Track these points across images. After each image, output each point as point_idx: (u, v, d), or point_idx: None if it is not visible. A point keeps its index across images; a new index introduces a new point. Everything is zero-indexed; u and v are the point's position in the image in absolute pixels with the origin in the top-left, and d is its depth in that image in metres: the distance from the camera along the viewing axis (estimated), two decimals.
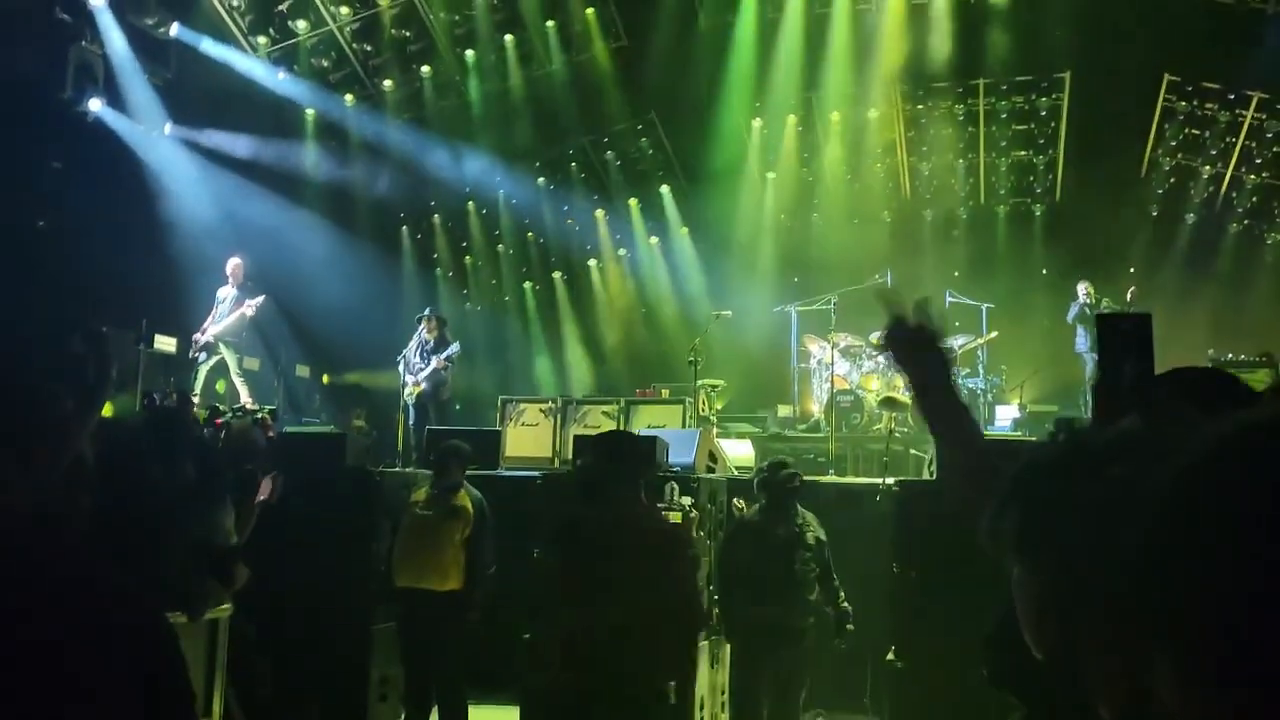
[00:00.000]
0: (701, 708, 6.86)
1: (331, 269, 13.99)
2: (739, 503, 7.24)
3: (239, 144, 13.48)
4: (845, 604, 6.32)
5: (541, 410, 10.93)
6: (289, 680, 6.58)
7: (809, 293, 13.72)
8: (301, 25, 13.71)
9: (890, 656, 6.50)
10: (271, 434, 9.65)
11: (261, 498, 5.48)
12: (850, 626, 6.29)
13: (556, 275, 19.01)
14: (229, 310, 11.31)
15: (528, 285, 19.16)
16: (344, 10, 13.83)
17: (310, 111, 14.57)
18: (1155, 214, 16.13)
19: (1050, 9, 13.80)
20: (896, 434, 10.91)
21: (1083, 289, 13.06)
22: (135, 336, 11.05)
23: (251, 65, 13.56)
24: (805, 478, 6.82)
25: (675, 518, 6.89)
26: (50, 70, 11.18)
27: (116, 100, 11.95)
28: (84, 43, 11.43)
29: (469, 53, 15.00)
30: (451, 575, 6.68)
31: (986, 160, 16.50)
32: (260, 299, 11.31)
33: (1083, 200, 15.33)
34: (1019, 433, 11.62)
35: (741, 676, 6.46)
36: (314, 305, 13.54)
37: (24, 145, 10.73)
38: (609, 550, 4.15)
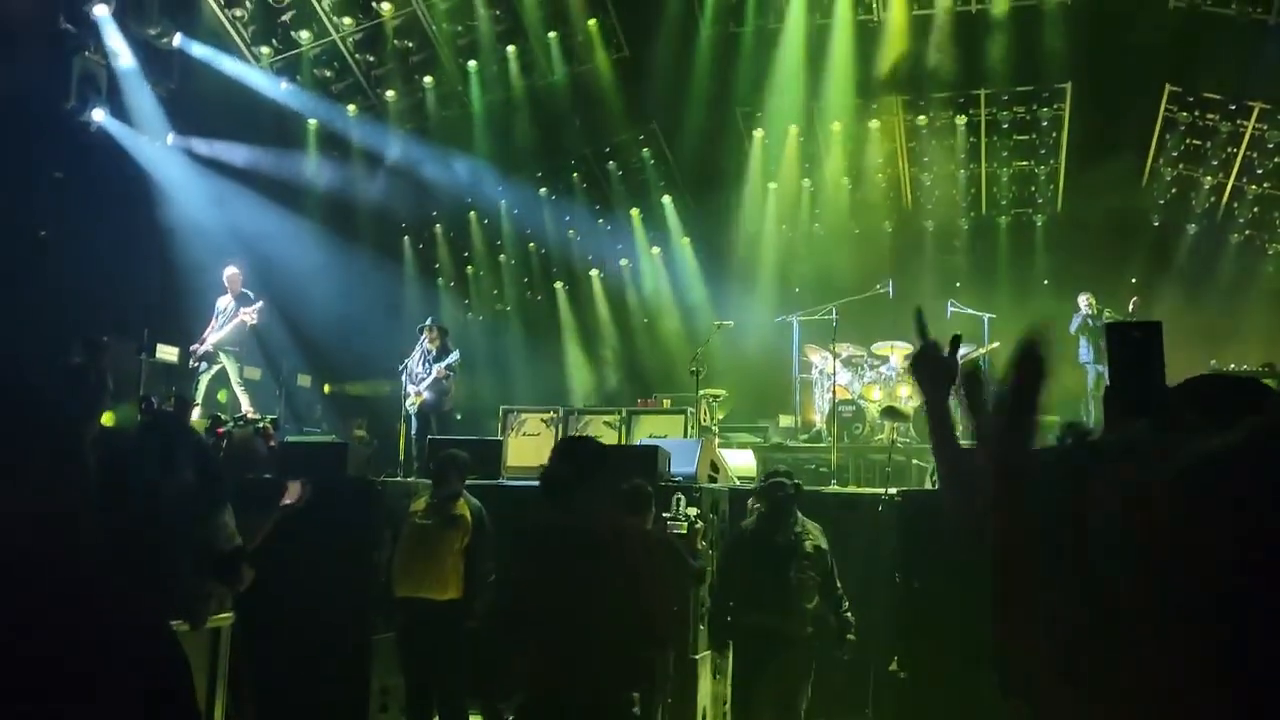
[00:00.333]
0: (704, 718, 6.85)
1: (333, 279, 14.01)
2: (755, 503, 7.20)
3: (241, 154, 13.51)
4: (848, 613, 6.26)
5: (543, 420, 10.92)
6: (289, 690, 6.56)
7: (810, 303, 13.71)
8: (304, 36, 13.74)
9: (893, 667, 6.48)
10: (273, 443, 9.65)
11: (288, 501, 5.46)
12: (852, 636, 6.24)
13: (558, 285, 19.04)
14: (228, 319, 11.32)
15: (529, 295, 19.18)
16: (347, 21, 13.87)
17: (313, 122, 14.61)
18: (1157, 224, 16.16)
19: (1051, 19, 13.83)
20: (899, 444, 10.90)
21: (1084, 300, 13.07)
22: (137, 346, 11.06)
23: (254, 75, 13.59)
24: (807, 488, 6.81)
25: (681, 528, 6.89)
26: (54, 80, 11.20)
27: (120, 110, 11.97)
28: (88, 53, 11.46)
29: (471, 63, 15.04)
30: (450, 584, 6.66)
31: (988, 170, 16.54)
32: (258, 306, 11.31)
33: (1084, 211, 15.35)
34: None
35: (741, 686, 6.44)
36: (316, 315, 13.55)
37: (27, 154, 10.74)
38: (570, 558, 4.13)
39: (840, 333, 12.96)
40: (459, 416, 13.44)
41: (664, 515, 6.88)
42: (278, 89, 13.92)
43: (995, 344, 13.25)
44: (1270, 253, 15.96)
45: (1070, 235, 15.78)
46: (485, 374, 16.36)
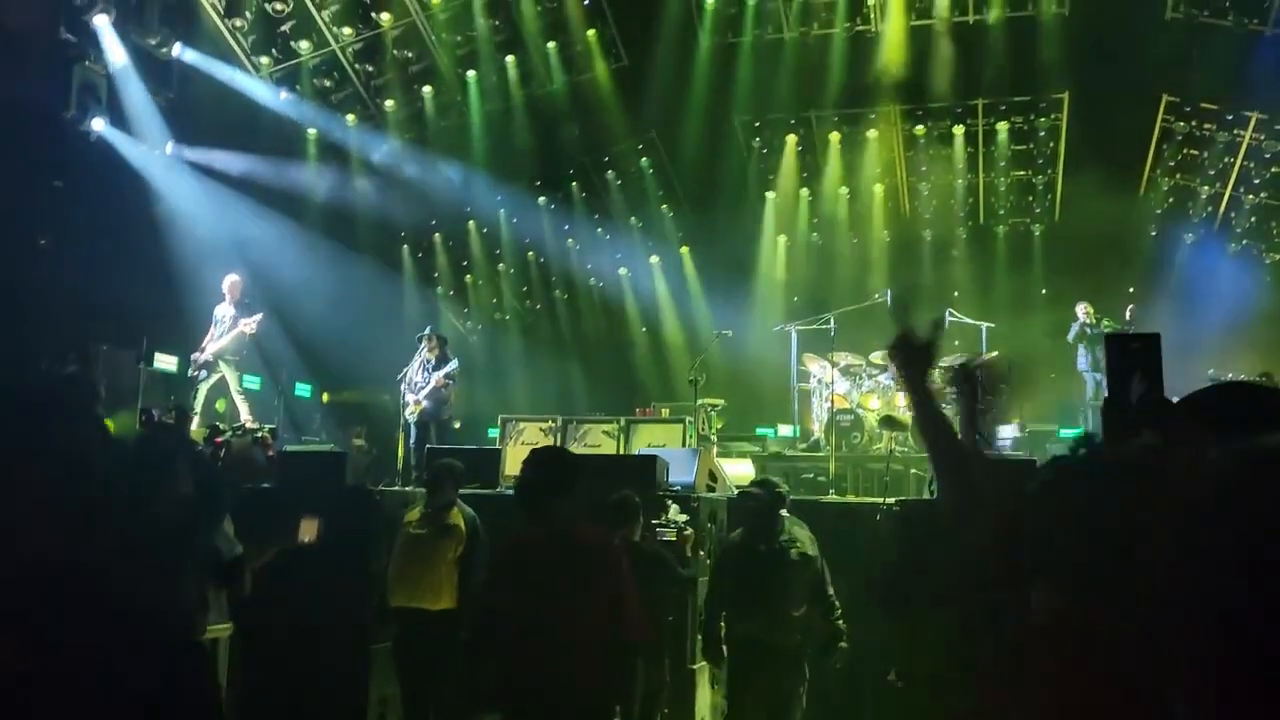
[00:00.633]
0: None
1: (332, 288, 14.01)
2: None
3: (241, 163, 13.52)
4: (839, 622, 6.19)
5: (542, 429, 10.94)
6: (289, 700, 6.56)
7: (809, 312, 13.74)
8: (304, 46, 13.77)
9: (891, 677, 6.47)
10: (271, 452, 9.65)
11: (305, 539, 5.42)
12: (843, 645, 6.17)
13: (557, 294, 19.06)
14: (228, 328, 11.31)
15: (528, 304, 19.20)
16: (346, 31, 13.90)
17: (312, 131, 14.63)
18: (1154, 234, 16.19)
19: (1048, 30, 13.88)
20: (897, 453, 10.90)
21: (1082, 309, 13.10)
22: (136, 355, 11.06)
23: (254, 85, 13.61)
24: (805, 498, 6.80)
25: (670, 535, 6.88)
26: (54, 89, 11.22)
27: (119, 120, 11.99)
28: (88, 62, 11.48)
29: (470, 73, 15.07)
30: (445, 594, 6.66)
31: (985, 180, 16.58)
32: (258, 317, 11.30)
33: (1082, 220, 15.37)
34: (1020, 452, 11.61)
35: (733, 696, 6.41)
36: (315, 324, 13.55)
37: (27, 163, 10.76)
38: (547, 570, 4.14)
39: (838, 342, 12.99)
40: (458, 425, 13.44)
41: (654, 522, 6.86)
42: (277, 98, 13.95)
43: (994, 353, 13.27)
44: (1267, 262, 16.00)
45: (1068, 245, 15.81)
46: (484, 383, 16.37)
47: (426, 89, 15.03)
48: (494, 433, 12.32)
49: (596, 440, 11.15)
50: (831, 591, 6.26)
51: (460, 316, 18.69)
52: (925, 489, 9.85)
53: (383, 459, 12.58)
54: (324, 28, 13.74)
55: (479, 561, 6.76)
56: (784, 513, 6.33)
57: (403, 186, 15.36)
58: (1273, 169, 14.85)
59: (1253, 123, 14.33)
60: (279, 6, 13.27)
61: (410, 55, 14.56)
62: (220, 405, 11.51)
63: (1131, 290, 14.40)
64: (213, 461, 7.15)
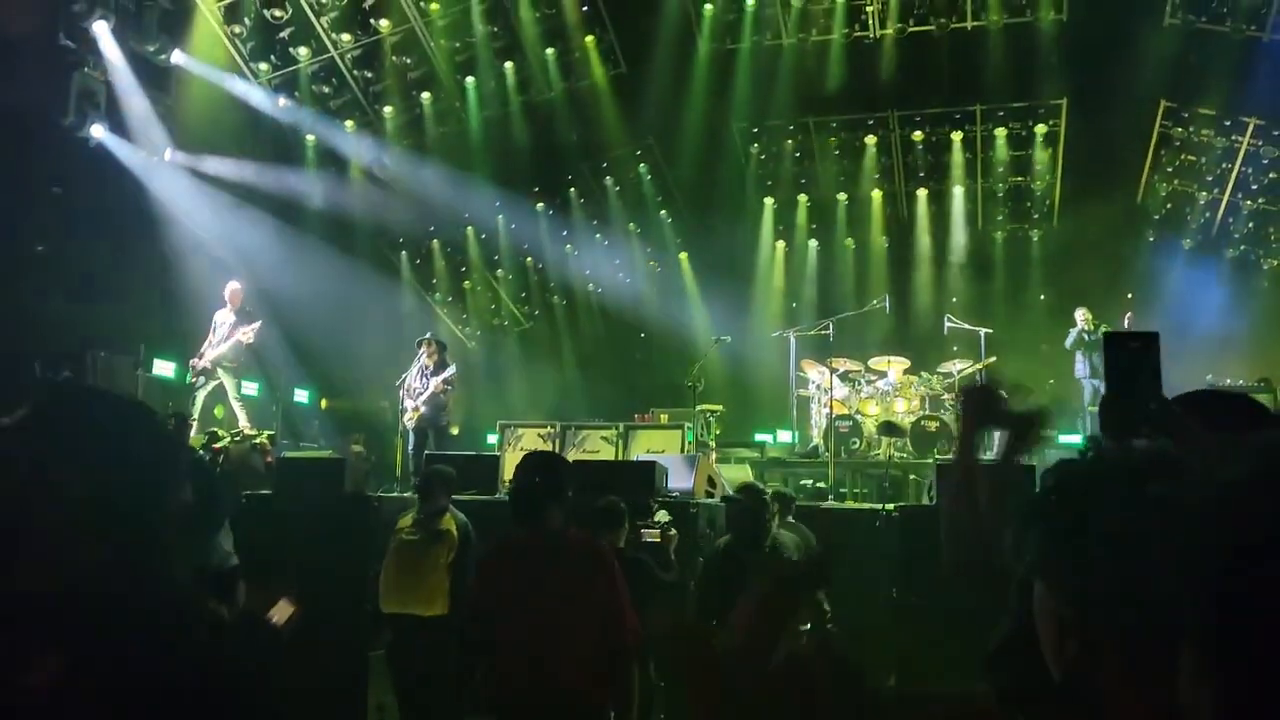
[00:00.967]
0: None
1: (331, 294, 14.00)
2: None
3: (239, 170, 13.53)
4: (829, 626, 6.17)
5: (540, 435, 10.93)
6: (286, 706, 6.53)
7: (807, 318, 13.75)
8: (303, 52, 13.78)
9: (891, 683, 6.45)
10: (270, 459, 9.64)
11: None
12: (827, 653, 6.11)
13: (555, 300, 19.06)
14: (227, 334, 11.29)
15: (526, 310, 19.20)
16: (345, 37, 13.91)
17: (311, 137, 14.64)
18: (1152, 239, 16.20)
19: (1046, 37, 13.90)
20: (896, 459, 10.89)
21: (1080, 315, 13.09)
22: (134, 361, 11.06)
23: (252, 92, 13.63)
24: (805, 504, 6.78)
25: (653, 537, 6.86)
26: (53, 96, 11.23)
27: (118, 126, 12.00)
28: (86, 69, 11.49)
29: (469, 79, 15.08)
30: (438, 600, 6.65)
31: (984, 186, 16.60)
32: (256, 325, 11.27)
33: (1080, 226, 15.39)
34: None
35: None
36: (313, 330, 13.54)
37: (25, 170, 10.76)
38: (535, 573, 4.13)
39: (837, 347, 12.99)
40: (456, 431, 13.43)
41: (638, 523, 6.84)
42: (276, 105, 13.96)
43: (992, 359, 13.27)
44: (1265, 268, 16.01)
45: (1066, 250, 15.82)
46: (482, 389, 16.36)
47: (425, 95, 15.04)
48: (493, 438, 12.31)
49: (595, 446, 11.14)
50: (820, 598, 6.21)
51: (459, 322, 18.68)
52: (925, 494, 9.85)
53: (381, 465, 12.57)
54: (323, 34, 13.75)
55: (471, 567, 6.75)
56: (791, 519, 6.31)
57: (401, 193, 15.37)
58: (1270, 175, 14.85)
59: (1250, 128, 14.35)
60: (278, 13, 13.28)
61: (409, 62, 14.58)
62: (219, 412, 11.50)
63: (1130, 296, 14.41)
64: (212, 468, 7.13)
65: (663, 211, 17.65)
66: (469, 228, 17.58)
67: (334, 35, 13.84)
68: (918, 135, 15.97)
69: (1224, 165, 15.03)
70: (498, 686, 4.14)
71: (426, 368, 11.40)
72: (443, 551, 6.72)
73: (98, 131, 11.68)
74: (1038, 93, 14.90)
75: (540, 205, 17.40)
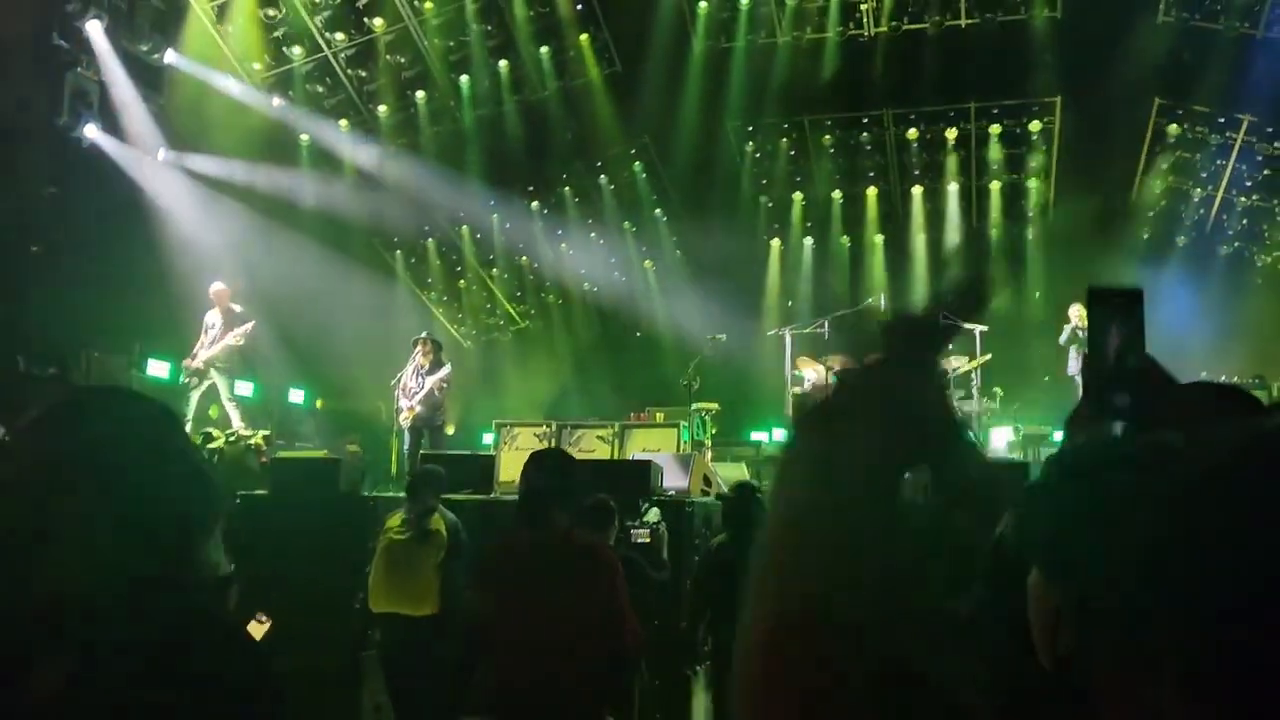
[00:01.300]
0: None
1: (325, 293, 13.98)
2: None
3: (233, 169, 13.51)
4: None
5: (536, 434, 10.89)
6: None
7: (802, 316, 13.74)
8: (296, 51, 13.76)
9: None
10: (264, 459, 9.62)
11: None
12: None
13: (550, 299, 19.05)
14: (218, 336, 11.24)
15: (521, 309, 19.18)
16: (339, 36, 13.89)
17: (305, 137, 14.61)
18: (1146, 236, 16.22)
19: (1040, 34, 13.91)
20: None
21: (1075, 312, 13.07)
22: (128, 362, 11.03)
23: (246, 91, 13.60)
24: None
25: (643, 537, 6.85)
26: (46, 96, 11.21)
27: (111, 126, 11.98)
28: (80, 69, 11.47)
29: (463, 78, 15.06)
30: (427, 600, 6.64)
31: (978, 183, 16.61)
32: (248, 326, 11.21)
33: (1074, 223, 15.40)
34: (1015, 454, 11.62)
35: (716, 701, 6.38)
36: (308, 330, 13.52)
37: (19, 170, 10.74)
38: (544, 576, 4.09)
39: (832, 346, 12.98)
40: (451, 431, 13.42)
41: (628, 524, 6.84)
42: (269, 104, 13.93)
43: (987, 356, 13.27)
44: (1259, 264, 16.04)
45: (1060, 247, 15.83)
46: (478, 388, 16.35)
47: (419, 94, 15.02)
48: (490, 438, 12.29)
49: (591, 445, 11.12)
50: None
51: (454, 322, 18.67)
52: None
53: (377, 465, 12.55)
54: (316, 33, 13.73)
55: (461, 566, 6.75)
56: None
57: (396, 192, 15.35)
58: (1265, 171, 14.88)
59: (1244, 125, 14.37)
60: (271, 12, 13.26)
61: (403, 60, 14.56)
62: (213, 412, 11.47)
63: None
64: (211, 472, 7.11)
65: (658, 210, 17.64)
66: (464, 227, 17.57)
67: (327, 34, 13.82)
68: (912, 133, 15.98)
69: (1218, 162, 15.06)
70: (497, 687, 4.12)
71: (422, 367, 11.37)
72: (432, 551, 6.71)
73: (91, 131, 11.67)
74: (1032, 90, 14.91)
75: (535, 204, 17.39)
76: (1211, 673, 0.71)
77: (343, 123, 14.76)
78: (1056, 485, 1.15)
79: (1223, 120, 14.52)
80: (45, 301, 10.40)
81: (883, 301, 13.84)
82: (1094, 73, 13.73)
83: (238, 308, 11.39)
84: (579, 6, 14.64)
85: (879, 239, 17.38)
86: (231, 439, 10.08)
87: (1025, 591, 1.17)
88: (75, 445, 1.40)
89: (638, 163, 16.92)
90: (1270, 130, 14.30)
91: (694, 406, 11.55)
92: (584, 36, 14.96)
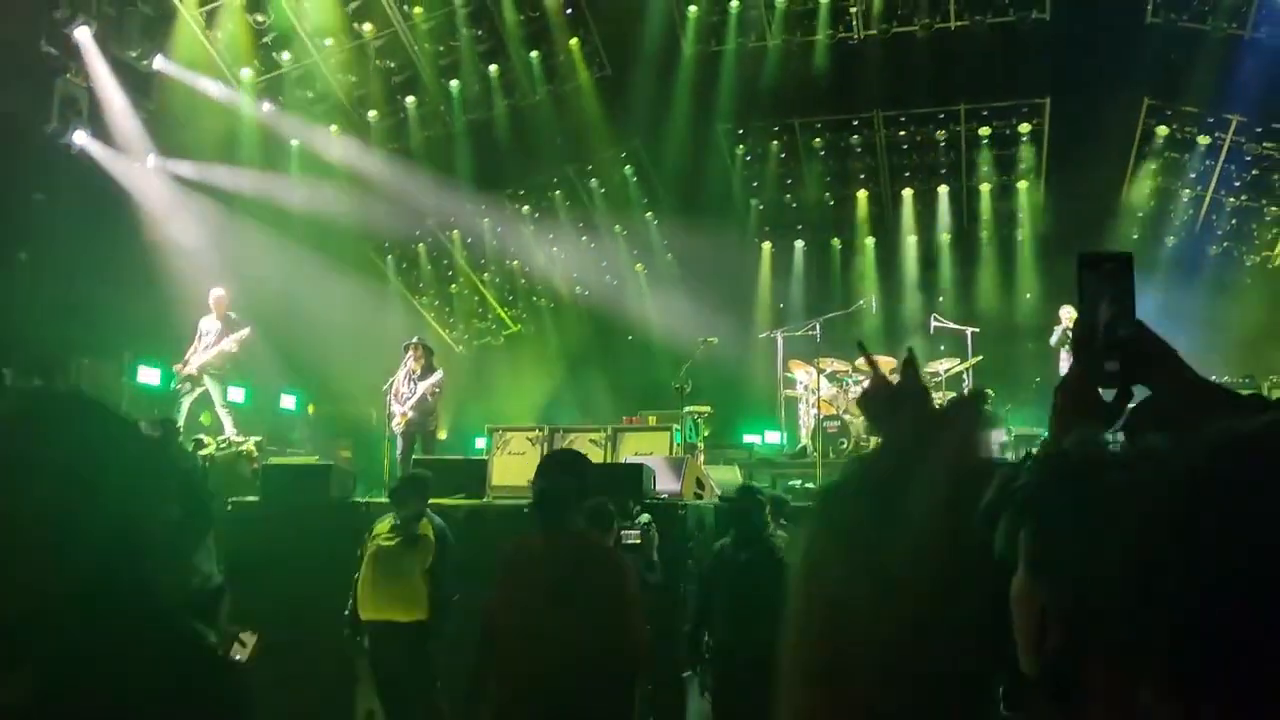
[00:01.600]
0: None
1: (317, 299, 13.95)
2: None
3: (223, 175, 13.48)
4: None
5: (528, 439, 10.88)
6: (274, 715, 6.50)
7: (794, 318, 13.76)
8: (286, 57, 13.74)
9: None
10: (256, 466, 9.61)
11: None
12: None
13: (542, 303, 19.05)
14: (213, 342, 11.22)
15: (513, 313, 19.17)
16: (329, 42, 13.87)
17: (295, 142, 14.59)
18: (1136, 236, 16.27)
19: (1029, 36, 13.95)
20: None
21: (1065, 313, 13.10)
22: (118, 368, 11.00)
23: (235, 97, 13.57)
24: (793, 504, 6.78)
25: (635, 539, 6.85)
26: (35, 103, 11.18)
27: (100, 132, 11.95)
28: (69, 75, 11.45)
29: (453, 83, 15.06)
30: (416, 605, 6.63)
31: (968, 185, 16.65)
32: (244, 333, 11.20)
33: (1064, 224, 15.45)
34: (1009, 456, 11.62)
35: (718, 707, 6.37)
36: (299, 336, 13.49)
37: (8, 177, 10.71)
38: (556, 579, 4.04)
39: (824, 348, 13.01)
40: (443, 436, 13.40)
41: (621, 526, 6.83)
42: (259, 110, 13.91)
43: (979, 357, 13.31)
44: (1248, 264, 16.10)
45: (1051, 248, 15.88)
46: (469, 393, 16.33)
47: (409, 99, 15.01)
48: (482, 442, 12.27)
49: (583, 449, 11.10)
50: None
51: (446, 326, 18.65)
52: None
53: (369, 471, 12.52)
54: (306, 39, 13.71)
55: (449, 571, 6.74)
56: (783, 521, 6.31)
57: (386, 197, 15.32)
58: (1253, 171, 14.95)
59: (1233, 126, 14.43)
60: (260, 18, 13.24)
61: (393, 65, 14.55)
62: (205, 418, 11.44)
63: None
64: (202, 482, 7.09)
65: (648, 213, 17.65)
66: (454, 231, 17.56)
67: (317, 40, 13.80)
68: (902, 134, 16.02)
69: (1207, 162, 15.12)
70: (508, 690, 4.05)
71: (414, 372, 11.35)
72: (420, 556, 6.71)
73: (80, 138, 11.64)
74: (1021, 92, 14.97)
75: (526, 208, 17.38)
76: (1197, 672, 0.72)
77: (333, 128, 14.74)
78: (1042, 486, 1.16)
79: (1211, 121, 14.58)
80: (33, 308, 10.36)
81: (874, 304, 13.88)
82: (1083, 74, 13.78)
83: (234, 314, 11.39)
84: (569, 11, 14.64)
85: (870, 241, 17.41)
86: (223, 445, 10.06)
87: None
88: (25, 450, 1.38)
89: (628, 166, 16.92)
90: (1259, 130, 14.36)
91: (686, 409, 11.55)
92: (574, 40, 14.97)
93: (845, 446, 12.44)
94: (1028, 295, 16.42)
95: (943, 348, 13.74)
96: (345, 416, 14.94)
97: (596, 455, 10.85)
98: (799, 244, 17.91)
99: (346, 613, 6.83)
